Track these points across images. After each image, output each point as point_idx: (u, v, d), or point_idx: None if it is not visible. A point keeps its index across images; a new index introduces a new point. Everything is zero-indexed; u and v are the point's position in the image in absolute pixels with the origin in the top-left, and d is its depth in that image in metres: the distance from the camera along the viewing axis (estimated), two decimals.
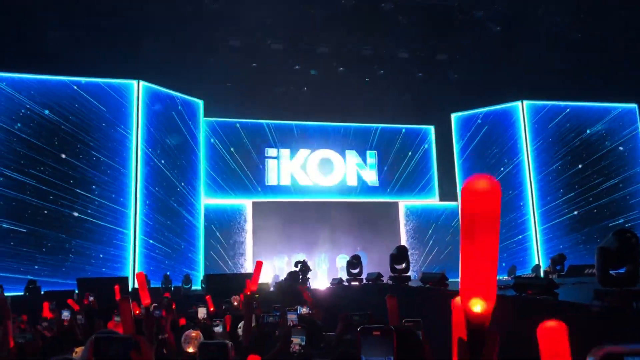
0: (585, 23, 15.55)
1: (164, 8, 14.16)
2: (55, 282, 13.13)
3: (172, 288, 12.87)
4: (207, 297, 6.82)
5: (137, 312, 4.89)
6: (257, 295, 4.36)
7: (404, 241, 17.70)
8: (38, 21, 13.56)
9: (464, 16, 15.59)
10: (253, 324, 4.10)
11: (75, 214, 14.04)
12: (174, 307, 6.22)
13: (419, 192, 18.63)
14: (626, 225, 16.27)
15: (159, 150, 15.37)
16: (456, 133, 18.43)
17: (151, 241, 14.76)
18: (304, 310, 4.90)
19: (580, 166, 17.07)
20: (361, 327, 1.71)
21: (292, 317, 4.22)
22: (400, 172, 18.65)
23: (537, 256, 16.49)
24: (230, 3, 14.56)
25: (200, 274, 15.54)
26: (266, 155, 17.99)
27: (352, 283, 9.38)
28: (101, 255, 14.13)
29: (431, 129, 19.17)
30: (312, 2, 14.95)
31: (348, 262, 10.08)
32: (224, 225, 16.92)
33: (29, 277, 12.73)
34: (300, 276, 12.62)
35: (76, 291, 11.18)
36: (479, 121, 17.89)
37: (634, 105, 17.77)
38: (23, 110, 13.97)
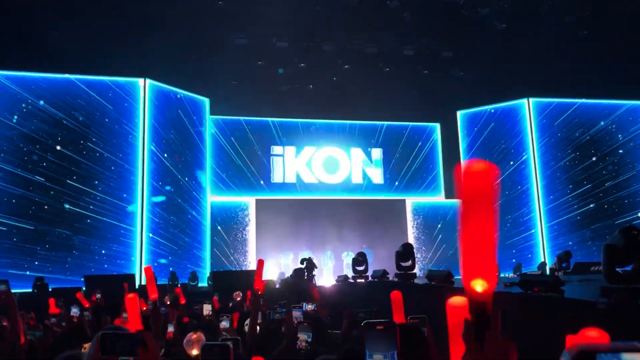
0: (591, 19, 15.45)
1: (170, 6, 14.18)
2: (63, 279, 13.22)
3: (179, 285, 12.91)
4: (214, 298, 6.85)
5: (144, 308, 4.91)
6: (262, 294, 4.37)
7: (411, 238, 17.68)
8: (44, 19, 13.59)
9: (469, 13, 15.53)
10: (259, 321, 4.12)
11: (82, 211, 14.11)
12: (183, 302, 6.25)
13: (424, 190, 18.60)
14: (633, 222, 16.19)
15: (164, 147, 15.42)
16: (462, 130, 18.38)
17: (157, 238, 14.82)
18: (310, 307, 4.91)
19: (586, 163, 17.00)
20: (365, 321, 1.72)
21: (296, 314, 4.23)
22: (405, 170, 18.61)
23: (543, 253, 16.44)
24: (236, 1, 14.56)
25: (206, 271, 15.59)
26: (272, 152, 18.01)
27: (358, 280, 9.39)
28: (107, 252, 14.21)
29: (437, 126, 19.12)
30: (317, 0, 14.92)
31: (353, 260, 10.10)
32: (228, 223, 16.96)
33: (34, 274, 12.79)
34: (306, 273, 12.63)
35: (83, 288, 11.24)
36: (490, 114, 17.83)
37: None
38: (29, 108, 14.04)
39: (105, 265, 14.01)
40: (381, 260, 14.50)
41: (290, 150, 18.13)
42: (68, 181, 14.07)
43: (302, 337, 3.08)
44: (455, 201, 18.08)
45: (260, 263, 4.19)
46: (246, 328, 4.08)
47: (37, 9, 13.52)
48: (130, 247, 14.40)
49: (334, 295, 9.85)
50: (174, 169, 15.60)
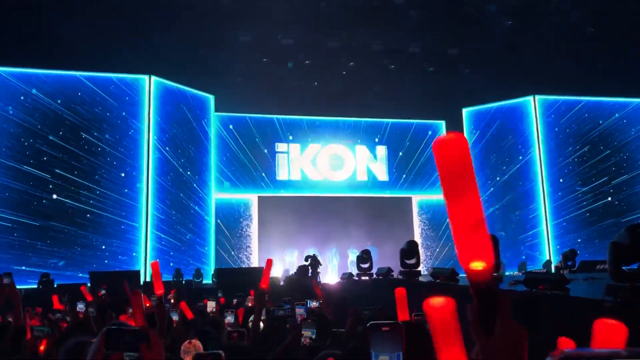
0: (598, 16, 15.36)
1: (175, 3, 14.20)
2: (67, 276, 13.28)
3: (184, 282, 12.95)
4: (221, 299, 6.86)
5: (148, 304, 4.93)
6: (267, 291, 4.41)
7: (417, 236, 17.67)
8: (51, 17, 13.64)
9: (475, 10, 15.47)
10: (263, 317, 4.13)
11: (87, 207, 14.17)
12: (182, 304, 6.26)
13: (430, 187, 18.57)
14: None
15: (170, 144, 15.46)
16: (467, 128, 18.33)
17: (162, 235, 14.87)
18: (314, 304, 4.92)
19: (593, 161, 16.93)
20: (370, 323, 1.72)
21: (300, 311, 4.23)
22: (410, 167, 18.58)
23: (549, 252, 16.39)
24: None
25: (211, 268, 15.63)
26: (276, 150, 18.02)
27: (362, 278, 9.39)
28: (111, 249, 14.26)
29: (442, 123, 19.08)
30: None
31: (358, 257, 10.10)
32: (231, 220, 17.00)
33: (39, 270, 12.86)
34: (310, 270, 12.64)
35: (88, 284, 11.28)
36: (496, 111, 17.77)
37: None
38: (36, 105, 14.11)
39: (114, 263, 14.08)
40: (386, 258, 14.48)
41: (295, 147, 18.13)
42: (71, 177, 14.14)
43: (306, 333, 3.09)
44: None
45: (269, 262, 4.20)
46: (250, 325, 4.09)
47: (44, 7, 13.58)
48: (136, 244, 14.45)
49: (338, 292, 9.86)
50: (180, 167, 15.64)
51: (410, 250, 7.58)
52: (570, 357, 0.52)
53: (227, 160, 17.44)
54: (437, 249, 17.82)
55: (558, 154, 17.01)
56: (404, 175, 18.56)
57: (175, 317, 4.58)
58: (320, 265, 13.59)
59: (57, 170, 14.03)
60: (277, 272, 15.33)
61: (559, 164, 16.95)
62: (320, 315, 3.96)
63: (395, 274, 8.36)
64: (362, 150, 18.56)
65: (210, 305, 5.27)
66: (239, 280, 10.19)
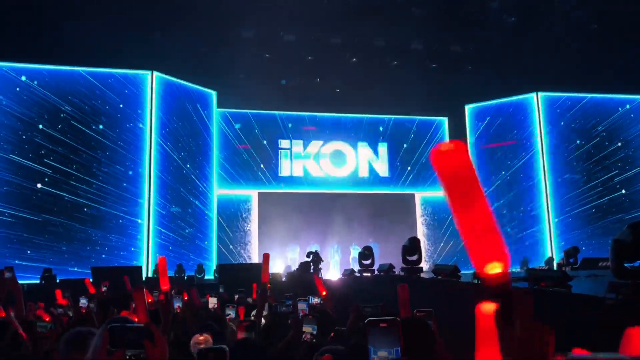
0: (601, 13, 15.30)
1: None
2: (69, 271, 13.32)
3: (186, 277, 12.99)
4: (225, 295, 6.87)
5: (150, 300, 4.93)
6: (269, 286, 4.42)
7: (420, 233, 17.68)
8: (52, 12, 13.64)
9: (478, 7, 15.42)
10: (265, 313, 4.14)
11: (89, 203, 14.20)
12: (186, 298, 6.27)
13: (431, 184, 18.56)
14: None
15: (171, 139, 15.47)
16: (470, 125, 18.29)
17: (164, 231, 14.89)
18: (315, 300, 4.92)
19: (596, 158, 16.89)
20: (368, 319, 1.72)
21: (302, 306, 4.24)
22: (412, 164, 18.57)
23: (551, 249, 16.38)
24: None
25: (212, 264, 15.66)
26: (279, 146, 18.02)
27: (364, 274, 9.39)
28: (113, 245, 14.30)
29: (445, 120, 19.06)
30: None
31: (360, 254, 10.10)
32: (231, 216, 17.03)
33: (42, 265, 12.89)
34: (312, 267, 12.66)
35: (91, 280, 11.31)
36: (499, 108, 17.74)
37: None
38: (34, 98, 14.13)
39: (117, 259, 14.12)
40: (388, 255, 14.48)
41: (297, 144, 18.13)
42: (77, 174, 14.16)
43: (307, 329, 3.09)
44: None
45: (266, 257, 4.20)
46: (252, 318, 4.10)
47: (46, 3, 13.58)
48: (138, 240, 14.48)
49: (340, 289, 9.87)
50: (182, 163, 15.66)
51: (412, 246, 7.58)
52: None
53: (229, 157, 17.45)
54: (441, 246, 17.81)
55: (561, 151, 16.97)
56: (406, 172, 18.54)
57: (178, 304, 4.64)
58: (322, 261, 13.60)
59: (56, 164, 14.04)
60: (279, 268, 15.35)
61: (562, 160, 16.91)
62: (322, 312, 3.96)
63: (396, 271, 8.36)
64: (364, 146, 18.55)
65: (212, 302, 5.26)
66: (240, 276, 10.21)
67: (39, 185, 13.87)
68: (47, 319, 4.12)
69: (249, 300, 6.14)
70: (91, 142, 14.47)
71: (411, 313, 2.44)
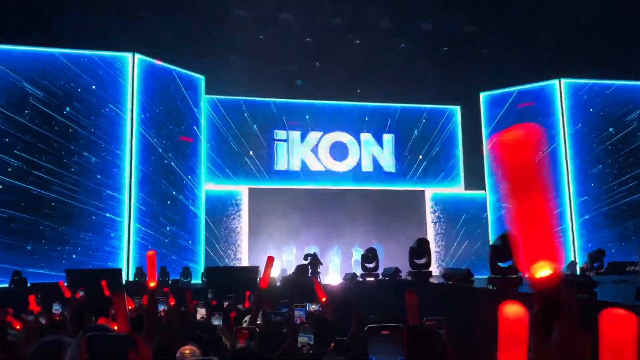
0: None
1: None
2: (42, 274, 13.26)
3: (170, 281, 12.97)
4: (214, 302, 6.88)
5: (131, 307, 4.94)
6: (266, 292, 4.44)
7: (430, 233, 17.67)
8: None
9: None
10: (259, 321, 4.14)
11: (60, 197, 14.13)
12: (172, 303, 6.28)
13: (441, 180, 18.55)
14: None
15: (154, 128, 15.40)
16: (485, 114, 18.27)
17: (146, 230, 14.86)
18: (313, 307, 4.92)
19: (625, 151, 16.82)
20: (368, 326, 1.72)
21: (299, 314, 4.24)
22: (421, 158, 18.56)
23: (574, 252, 16.39)
24: None
25: (200, 267, 15.64)
26: (275, 137, 17.99)
27: (367, 279, 9.41)
28: (88, 244, 14.24)
29: (457, 109, 19.04)
30: None
31: (363, 256, 10.13)
32: (219, 214, 16.98)
33: (12, 267, 12.86)
34: (310, 270, 12.68)
35: (65, 283, 11.31)
36: (517, 96, 17.72)
37: None
38: (6, 85, 14.05)
39: (93, 260, 14.08)
40: (393, 258, 14.49)
41: (294, 135, 18.10)
42: (50, 167, 14.11)
43: (302, 339, 3.09)
44: (477, 193, 18.08)
45: (270, 260, 4.19)
46: (244, 325, 4.11)
47: None
48: (118, 240, 14.45)
49: (341, 295, 9.88)
50: (166, 155, 15.61)
51: (420, 248, 7.59)
52: None
53: (219, 148, 17.41)
54: (453, 248, 17.81)
55: (586, 143, 16.92)
56: (415, 166, 18.53)
57: (163, 307, 4.64)
58: (321, 264, 13.63)
59: (23, 154, 13.95)
60: (273, 271, 15.33)
61: (587, 154, 16.86)
62: (320, 319, 3.96)
63: (403, 275, 8.38)
64: (368, 138, 18.53)
65: (201, 313, 5.22)
66: (230, 281, 10.21)
67: (3, 178, 13.81)
68: (17, 327, 4.11)
69: (240, 307, 6.14)
70: (62, 129, 14.36)
71: (420, 322, 2.44)
